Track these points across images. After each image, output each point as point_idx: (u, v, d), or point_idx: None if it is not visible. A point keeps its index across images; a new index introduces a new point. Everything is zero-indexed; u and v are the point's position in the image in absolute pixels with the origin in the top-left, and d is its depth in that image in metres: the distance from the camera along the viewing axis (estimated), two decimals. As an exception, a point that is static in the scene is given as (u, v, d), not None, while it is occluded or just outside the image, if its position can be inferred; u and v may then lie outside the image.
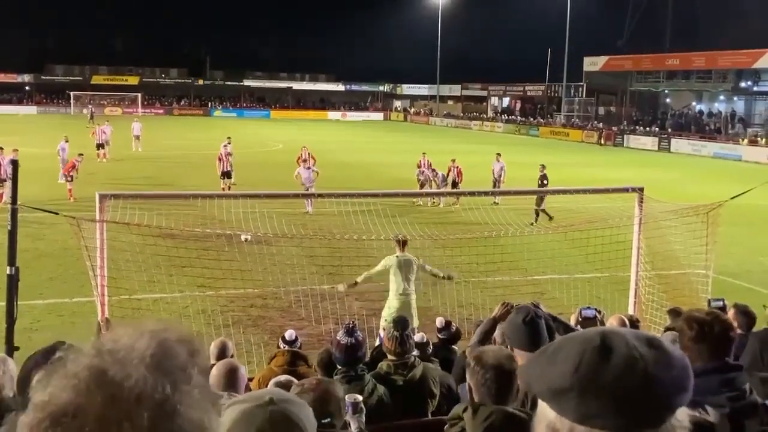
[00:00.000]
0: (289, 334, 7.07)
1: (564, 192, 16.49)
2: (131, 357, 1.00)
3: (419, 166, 26.98)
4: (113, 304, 9.89)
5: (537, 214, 21.11)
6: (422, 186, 26.23)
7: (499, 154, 27.19)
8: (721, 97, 63.92)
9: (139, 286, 11.46)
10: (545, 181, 22.91)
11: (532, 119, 76.08)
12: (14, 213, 6.80)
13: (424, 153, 27.57)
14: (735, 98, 62.53)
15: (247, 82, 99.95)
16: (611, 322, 6.41)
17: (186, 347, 1.06)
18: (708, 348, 3.20)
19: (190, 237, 16.32)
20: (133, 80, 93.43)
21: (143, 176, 29.24)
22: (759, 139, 51.72)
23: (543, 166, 23.54)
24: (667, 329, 6.93)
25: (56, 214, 9.94)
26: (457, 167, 26.50)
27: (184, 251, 15.30)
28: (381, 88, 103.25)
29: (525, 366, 1.38)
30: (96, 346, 1.03)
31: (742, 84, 59.99)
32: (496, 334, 4.88)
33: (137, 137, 41.50)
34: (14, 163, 7.62)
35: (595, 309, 6.74)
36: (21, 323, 7.42)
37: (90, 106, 70.43)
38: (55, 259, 15.90)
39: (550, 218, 20.53)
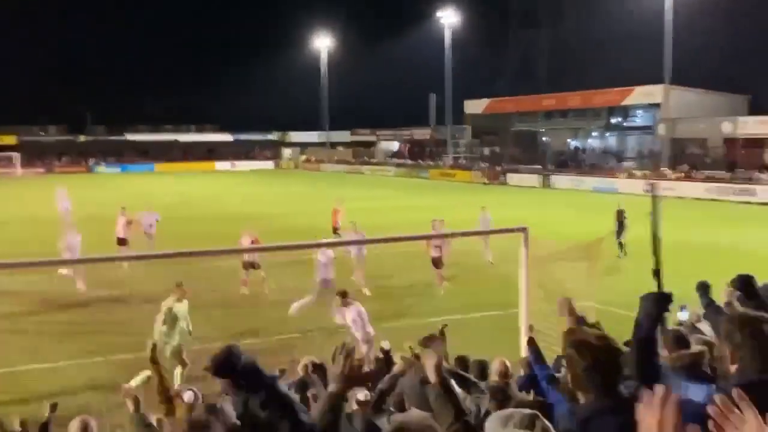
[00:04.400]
0: (188, 396, 6.86)
1: (451, 236, 16.93)
2: None
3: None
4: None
5: (621, 246, 22.64)
6: None
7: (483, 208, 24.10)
8: (595, 134, 67.35)
9: (20, 357, 10.92)
10: (622, 218, 23.39)
11: (421, 162, 77.59)
12: None
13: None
14: (608, 134, 66.07)
15: (129, 137, 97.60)
16: (495, 366, 6.59)
17: None
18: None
19: (77, 302, 15.70)
20: (9, 140, 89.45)
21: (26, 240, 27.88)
22: (635, 172, 54.48)
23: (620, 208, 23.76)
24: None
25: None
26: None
27: (67, 316, 14.69)
28: (270, 136, 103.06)
29: None
30: None
31: (614, 120, 63.67)
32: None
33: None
34: None
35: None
36: None
37: None
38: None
39: (623, 253, 22.27)
